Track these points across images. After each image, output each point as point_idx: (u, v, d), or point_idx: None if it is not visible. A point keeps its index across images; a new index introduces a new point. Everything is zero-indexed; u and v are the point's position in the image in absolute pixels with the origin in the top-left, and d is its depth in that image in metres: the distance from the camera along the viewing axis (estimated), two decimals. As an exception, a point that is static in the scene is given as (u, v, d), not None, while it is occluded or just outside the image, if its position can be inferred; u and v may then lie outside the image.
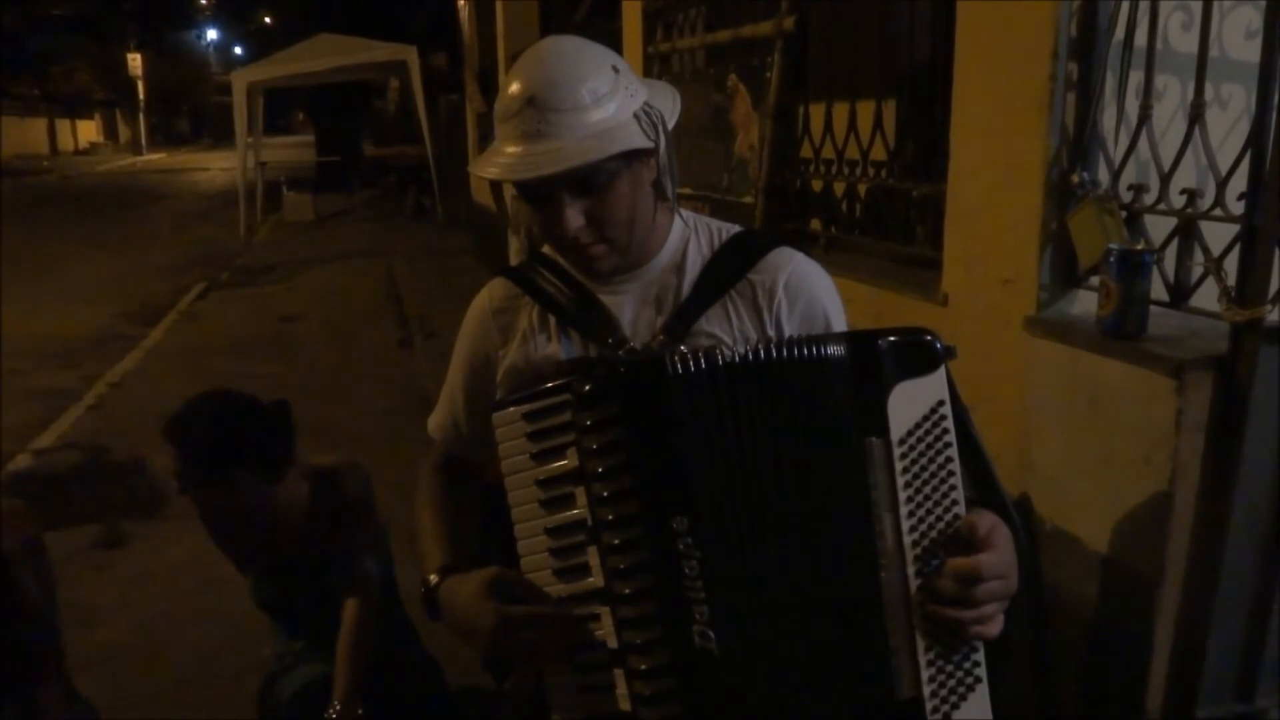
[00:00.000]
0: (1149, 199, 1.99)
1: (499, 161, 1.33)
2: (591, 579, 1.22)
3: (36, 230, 14.08)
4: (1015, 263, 2.18)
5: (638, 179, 1.38)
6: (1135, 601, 1.89)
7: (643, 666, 1.17)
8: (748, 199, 3.51)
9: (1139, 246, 1.89)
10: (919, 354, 1.21)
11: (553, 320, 1.48)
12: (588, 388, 1.21)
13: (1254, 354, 1.74)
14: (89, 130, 42.71)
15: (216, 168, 27.67)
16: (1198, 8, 1.87)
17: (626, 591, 1.18)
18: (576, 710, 1.24)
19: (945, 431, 1.20)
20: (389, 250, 12.01)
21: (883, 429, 1.18)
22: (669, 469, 1.18)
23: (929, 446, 1.19)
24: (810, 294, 1.46)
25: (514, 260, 7.31)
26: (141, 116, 41.74)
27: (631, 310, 1.45)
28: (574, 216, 1.35)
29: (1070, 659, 2.09)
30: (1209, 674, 1.87)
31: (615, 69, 1.34)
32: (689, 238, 1.49)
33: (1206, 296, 1.87)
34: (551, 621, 1.23)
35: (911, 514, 1.18)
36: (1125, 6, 1.98)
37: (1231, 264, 1.80)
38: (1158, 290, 1.93)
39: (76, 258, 11.75)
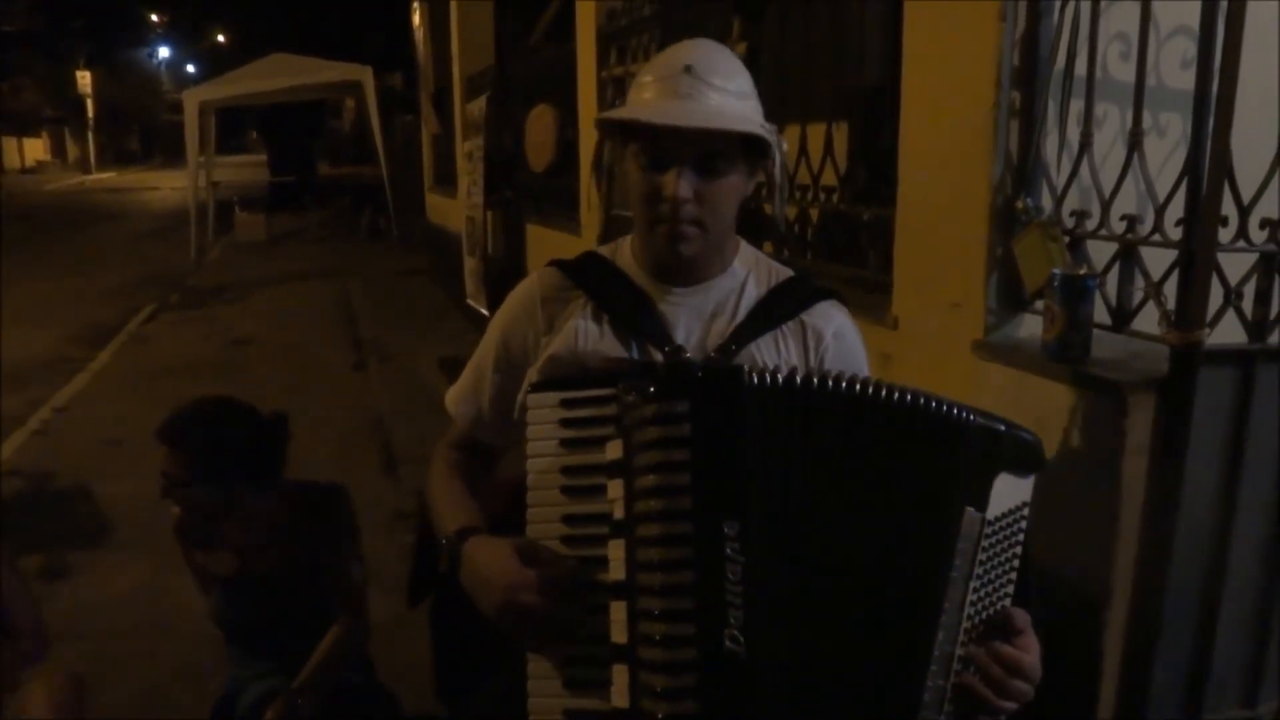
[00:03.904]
0: (1091, 224, 2.03)
1: (641, 109, 1.39)
2: (608, 572, 1.22)
3: (-19, 251, 13.79)
4: (963, 287, 2.21)
5: (743, 186, 1.45)
6: (1083, 622, 1.91)
7: (660, 661, 1.17)
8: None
9: (1082, 271, 1.92)
10: (1029, 454, 1.29)
11: (606, 317, 1.49)
12: (653, 384, 1.22)
13: (1194, 376, 1.78)
14: (36, 148, 41.97)
15: (167, 187, 27.30)
16: (1135, 38, 1.91)
17: (655, 585, 1.18)
18: (559, 706, 1.24)
19: (1020, 530, 1.27)
20: (343, 272, 11.91)
21: (983, 505, 1.23)
22: (731, 473, 1.18)
23: (1005, 539, 1.25)
24: (852, 350, 1.54)
25: (470, 283, 7.30)
26: (91, 135, 41.14)
27: (685, 322, 1.49)
28: (687, 186, 1.39)
29: None
30: (1156, 692, 1.90)
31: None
32: (751, 268, 1.55)
33: (1147, 320, 1.91)
34: (569, 590, 1.25)
35: (976, 590, 1.23)
36: (1065, 36, 2.02)
37: (1171, 288, 1.83)
38: (1100, 314, 1.96)
39: (22, 279, 11.51)
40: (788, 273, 1.58)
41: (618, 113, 1.42)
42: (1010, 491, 1.26)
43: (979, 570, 1.23)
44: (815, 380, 1.22)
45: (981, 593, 1.23)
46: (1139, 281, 1.93)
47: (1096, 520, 1.86)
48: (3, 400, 6.52)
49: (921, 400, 1.23)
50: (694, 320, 1.50)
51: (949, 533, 1.22)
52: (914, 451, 1.23)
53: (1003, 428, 1.27)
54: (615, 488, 1.22)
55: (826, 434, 1.21)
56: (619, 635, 1.20)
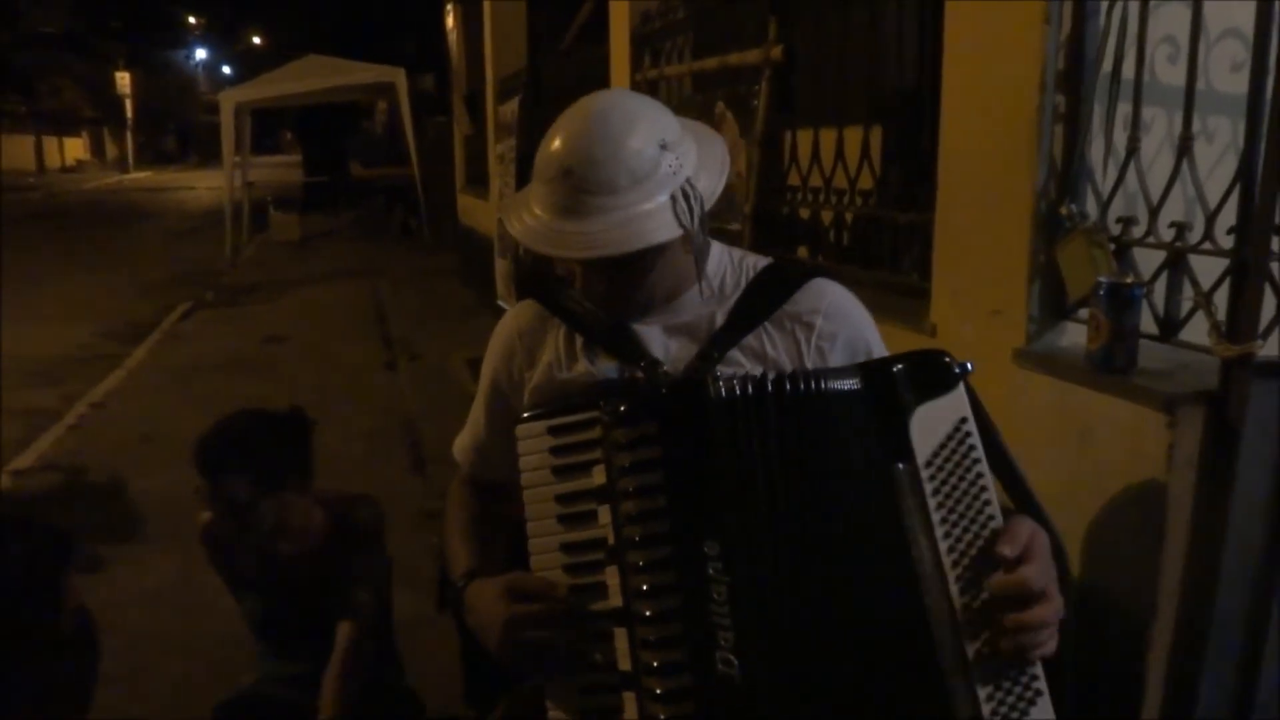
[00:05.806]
0: (1138, 232, 1.98)
1: (528, 223, 1.35)
2: (609, 599, 1.20)
3: (21, 247, 13.97)
4: (1004, 294, 2.17)
5: (665, 255, 1.38)
6: (1127, 640, 1.86)
7: (659, 690, 1.15)
8: (735, 226, 3.50)
9: (1128, 280, 1.88)
10: (935, 374, 1.22)
11: (581, 341, 1.47)
12: (624, 406, 1.21)
13: (1245, 389, 1.73)
14: (76, 148, 42.59)
15: (203, 187, 27.61)
16: (1184, 40, 1.87)
17: (648, 613, 1.17)
18: None
19: (972, 448, 1.19)
20: (375, 271, 11.99)
21: (908, 454, 1.18)
22: (705, 491, 1.17)
23: (957, 465, 1.19)
24: (851, 325, 1.47)
25: (500, 284, 7.30)
26: (129, 135, 41.73)
27: (661, 337, 1.45)
28: (596, 283, 1.38)
29: (1058, 699, 2.06)
30: (1201, 712, 1.85)
31: (663, 144, 1.32)
32: (725, 269, 1.49)
33: (1196, 330, 1.86)
34: (561, 619, 1.22)
35: (948, 534, 1.17)
36: (1112, 39, 1.98)
37: (1221, 298, 1.78)
38: (1147, 324, 1.92)
39: (61, 276, 11.69)
40: (764, 262, 1.52)
41: (505, 216, 1.40)
42: (939, 419, 1.19)
43: (940, 515, 1.16)
44: (788, 382, 1.19)
45: (956, 534, 1.16)
46: (1188, 291, 1.88)
47: (1142, 536, 1.82)
48: (40, 395, 6.60)
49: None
50: (668, 334, 1.46)
51: (887, 500, 1.17)
52: (824, 438, 1.20)
53: (895, 370, 1.22)
54: (605, 513, 1.22)
55: (776, 438, 1.18)
56: (624, 663, 1.19)
